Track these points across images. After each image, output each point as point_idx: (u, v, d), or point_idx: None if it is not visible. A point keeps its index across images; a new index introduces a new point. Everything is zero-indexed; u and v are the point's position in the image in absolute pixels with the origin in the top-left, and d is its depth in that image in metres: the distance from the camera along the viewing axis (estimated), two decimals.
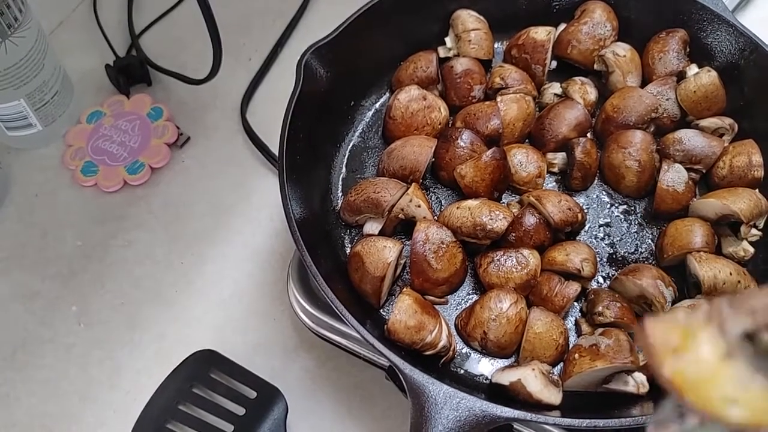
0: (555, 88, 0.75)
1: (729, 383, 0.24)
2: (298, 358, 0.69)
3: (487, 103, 0.72)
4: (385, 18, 0.73)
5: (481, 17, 0.77)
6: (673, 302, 0.62)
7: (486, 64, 0.76)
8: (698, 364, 0.25)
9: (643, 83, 0.74)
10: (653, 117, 0.71)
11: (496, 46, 0.79)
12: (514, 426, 0.60)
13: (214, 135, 0.82)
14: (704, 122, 0.72)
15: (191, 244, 0.75)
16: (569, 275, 0.63)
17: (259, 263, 0.74)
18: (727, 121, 0.71)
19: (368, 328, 0.55)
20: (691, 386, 0.25)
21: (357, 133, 0.75)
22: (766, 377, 0.24)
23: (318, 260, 0.58)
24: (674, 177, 0.67)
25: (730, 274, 0.61)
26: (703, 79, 0.71)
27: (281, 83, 0.85)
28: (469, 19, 0.76)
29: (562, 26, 0.78)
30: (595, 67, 0.76)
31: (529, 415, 0.52)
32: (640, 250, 0.69)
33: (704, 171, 0.70)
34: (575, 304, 0.65)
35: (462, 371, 0.62)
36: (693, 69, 0.73)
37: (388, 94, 0.77)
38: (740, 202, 0.64)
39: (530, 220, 0.64)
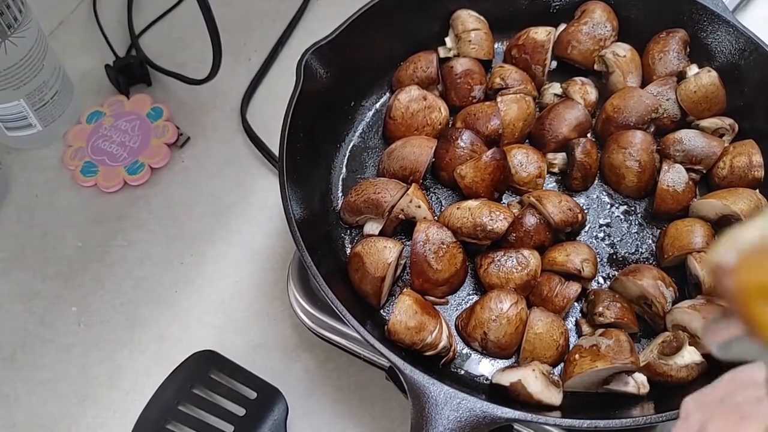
0: (555, 88, 0.75)
1: None
2: (298, 359, 0.69)
3: (488, 103, 0.72)
4: (385, 18, 0.73)
5: (482, 17, 0.77)
6: (674, 303, 0.62)
7: (486, 65, 0.76)
8: None
9: (644, 83, 0.74)
10: (653, 117, 0.71)
11: (496, 46, 0.79)
12: (515, 426, 0.60)
13: (214, 135, 0.82)
14: (704, 122, 0.72)
15: (191, 244, 0.75)
16: (569, 276, 0.63)
17: (259, 263, 0.74)
18: (727, 122, 0.71)
19: (368, 329, 0.55)
20: None
21: (357, 134, 0.75)
22: None
23: (318, 261, 0.58)
24: (674, 177, 0.67)
25: None
26: (703, 79, 0.71)
27: (281, 83, 0.84)
28: (469, 19, 0.76)
29: (562, 26, 0.78)
30: (596, 67, 0.76)
31: (529, 416, 0.52)
32: (640, 250, 0.69)
33: (704, 171, 0.70)
34: (575, 304, 0.65)
35: (462, 372, 0.62)
36: (693, 69, 0.73)
37: (388, 95, 0.77)
38: (741, 202, 0.64)
39: (530, 220, 0.64)
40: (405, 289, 0.62)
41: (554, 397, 0.57)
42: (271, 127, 0.78)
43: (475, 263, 0.65)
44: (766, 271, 0.22)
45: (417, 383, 0.52)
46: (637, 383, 0.59)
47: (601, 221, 0.70)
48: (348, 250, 0.68)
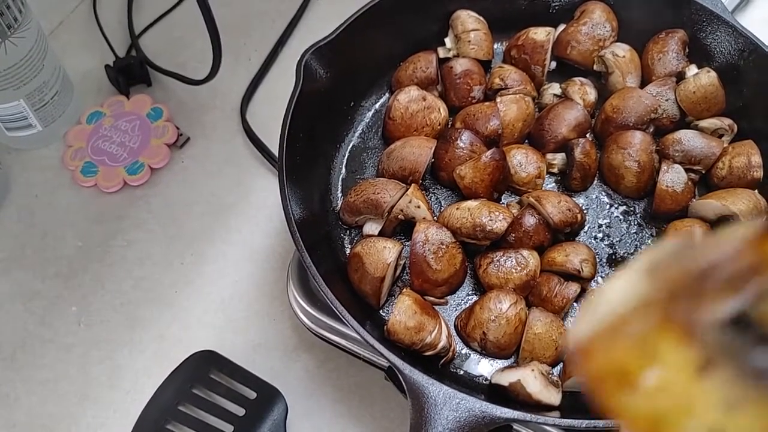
0: (554, 88, 0.75)
1: (712, 407, 0.16)
2: (297, 359, 0.69)
3: (487, 103, 0.72)
4: (384, 18, 0.73)
5: (481, 18, 0.77)
6: None
7: (485, 65, 0.76)
8: (664, 393, 0.17)
9: (643, 84, 0.74)
10: (653, 117, 0.71)
11: (495, 46, 0.79)
12: (514, 426, 0.60)
13: (214, 135, 0.82)
14: (703, 123, 0.72)
15: (191, 244, 0.75)
16: (569, 276, 0.63)
17: (259, 263, 0.74)
18: (726, 122, 0.71)
19: (368, 329, 0.55)
20: (659, 427, 0.17)
21: (357, 134, 0.75)
22: (759, 383, 0.16)
23: (318, 261, 0.58)
24: (673, 177, 0.67)
25: None
26: (702, 79, 0.71)
27: (281, 83, 0.85)
28: (468, 20, 0.76)
29: (562, 27, 0.78)
30: (595, 67, 0.76)
31: (528, 416, 0.52)
32: (639, 250, 0.69)
33: (703, 171, 0.70)
34: (575, 304, 0.65)
35: (461, 372, 0.62)
36: (692, 70, 0.73)
37: (387, 95, 0.77)
38: (739, 202, 0.64)
39: (530, 220, 0.64)
40: (404, 290, 0.62)
41: (553, 397, 0.57)
42: (270, 127, 0.78)
43: (475, 263, 0.65)
44: (619, 354, 0.18)
45: (416, 383, 0.52)
46: None
47: (601, 221, 0.70)
48: (347, 251, 0.68)
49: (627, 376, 0.17)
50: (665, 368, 0.17)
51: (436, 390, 0.52)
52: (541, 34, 0.75)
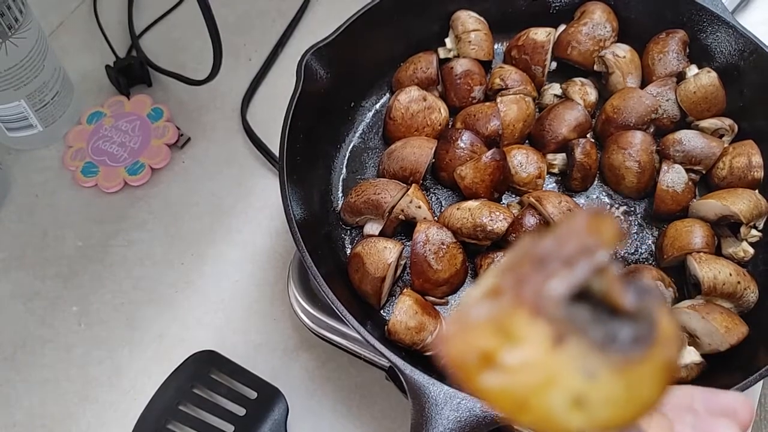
0: (555, 89, 0.75)
1: (573, 377, 0.18)
2: (298, 359, 0.69)
3: (487, 104, 0.72)
4: (385, 19, 0.73)
5: (481, 18, 0.77)
6: (673, 303, 0.63)
7: (486, 65, 0.76)
8: (524, 369, 0.18)
9: (643, 84, 0.75)
10: (653, 118, 0.71)
11: (496, 47, 0.79)
12: (514, 426, 0.60)
13: (214, 135, 0.82)
14: (704, 123, 0.72)
15: (191, 244, 0.75)
16: None
17: (259, 263, 0.74)
18: (726, 122, 0.71)
19: (369, 329, 0.55)
20: (525, 402, 0.18)
21: (357, 134, 0.75)
22: (612, 351, 0.18)
23: (318, 261, 0.58)
24: (674, 178, 0.68)
25: (730, 274, 0.61)
26: (702, 80, 0.71)
27: (281, 84, 0.85)
28: (469, 20, 0.76)
29: (562, 27, 0.78)
30: (595, 68, 0.76)
31: None
32: (639, 251, 0.69)
33: (704, 172, 0.70)
34: None
35: None
36: (693, 70, 0.73)
37: (388, 95, 0.77)
38: (740, 203, 0.64)
39: (530, 221, 0.64)
40: (405, 290, 0.62)
41: None
42: (271, 127, 0.78)
43: (475, 264, 0.65)
44: (476, 337, 0.19)
45: (417, 383, 0.52)
46: None
47: None
48: (348, 251, 0.68)
49: (486, 358, 0.19)
50: (521, 345, 0.18)
51: (437, 390, 0.52)
52: (541, 34, 0.75)
